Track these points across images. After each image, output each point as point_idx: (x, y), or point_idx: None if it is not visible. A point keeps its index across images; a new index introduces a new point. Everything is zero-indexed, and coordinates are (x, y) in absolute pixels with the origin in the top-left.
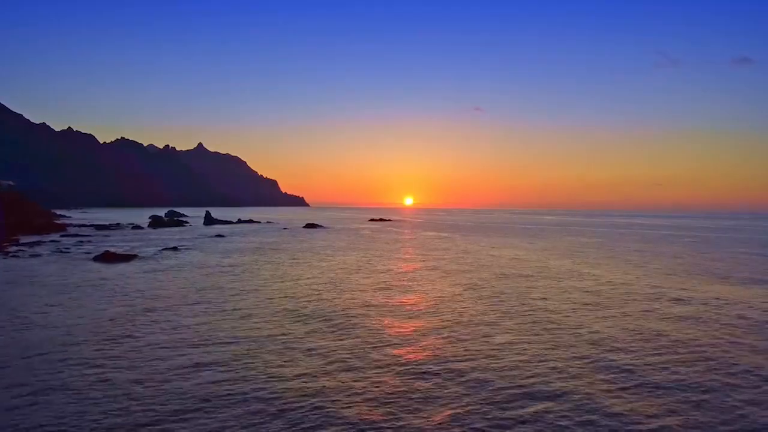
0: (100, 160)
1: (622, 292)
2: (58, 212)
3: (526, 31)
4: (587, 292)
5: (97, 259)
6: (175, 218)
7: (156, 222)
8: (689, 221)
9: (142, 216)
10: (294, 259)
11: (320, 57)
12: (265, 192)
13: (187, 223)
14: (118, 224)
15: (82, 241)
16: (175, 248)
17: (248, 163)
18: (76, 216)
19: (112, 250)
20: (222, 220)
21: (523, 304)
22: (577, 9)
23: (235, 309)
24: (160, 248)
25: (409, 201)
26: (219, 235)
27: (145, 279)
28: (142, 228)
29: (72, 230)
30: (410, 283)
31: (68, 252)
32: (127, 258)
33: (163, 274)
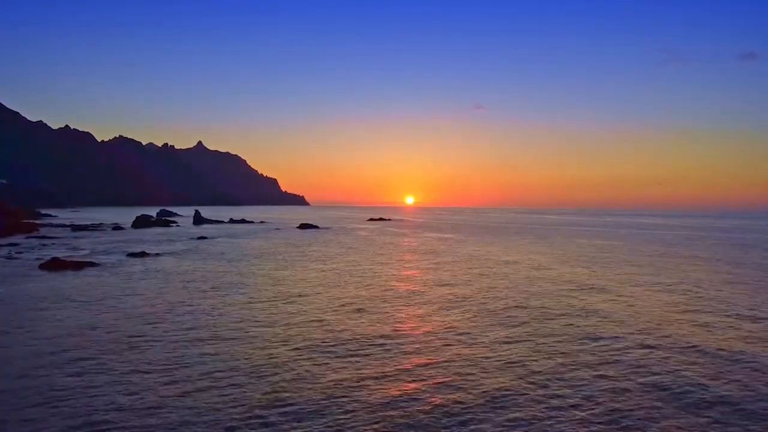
0: (98, 159)
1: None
2: (44, 211)
3: (528, 29)
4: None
5: (43, 267)
6: (164, 218)
7: (140, 222)
8: (700, 221)
9: (134, 215)
10: (270, 269)
11: (320, 56)
12: (265, 191)
13: (175, 223)
14: (100, 224)
15: (45, 245)
16: (143, 253)
17: (248, 162)
18: (63, 215)
19: (65, 256)
20: (212, 220)
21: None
22: (579, 6)
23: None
24: (127, 253)
25: (410, 200)
26: (202, 237)
27: (61, 296)
28: (123, 228)
29: (44, 231)
30: (402, 323)
31: (18, 257)
32: (77, 266)
33: (94, 289)
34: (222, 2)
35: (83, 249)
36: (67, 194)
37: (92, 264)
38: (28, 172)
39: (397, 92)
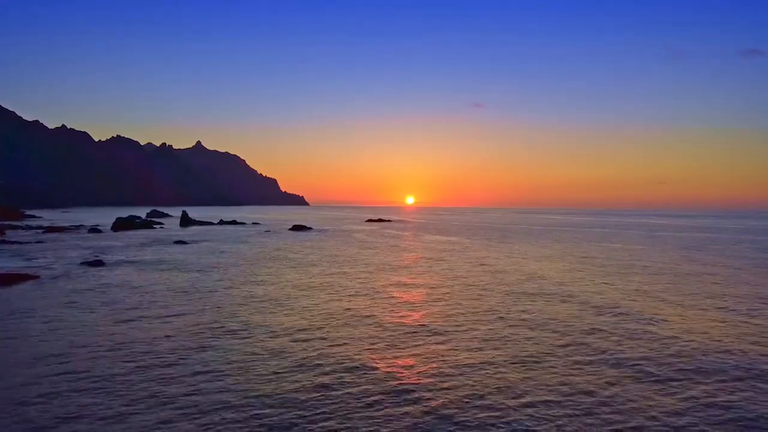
0: (95, 158)
1: None
2: (32, 212)
3: (525, 26)
4: None
5: None
6: (151, 219)
7: (120, 224)
8: (707, 221)
9: (124, 215)
10: (238, 283)
11: (319, 56)
12: (265, 191)
13: (161, 224)
14: (80, 226)
15: None
16: (98, 262)
17: (247, 162)
18: (50, 216)
19: (6, 266)
20: (201, 221)
21: None
22: (578, 2)
23: None
24: (83, 261)
25: (410, 200)
26: (179, 242)
27: None
28: (100, 231)
29: (13, 234)
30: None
31: None
32: (9, 279)
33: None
34: (221, 2)
35: (38, 257)
36: (63, 194)
37: (30, 276)
38: (24, 172)
39: (396, 91)
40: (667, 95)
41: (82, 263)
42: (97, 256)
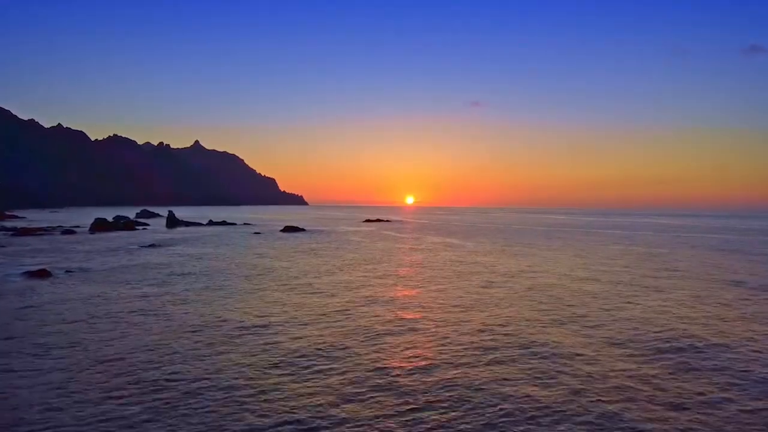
0: (92, 158)
1: None
2: (17, 213)
3: (525, 23)
4: None
5: None
6: (135, 220)
7: (99, 225)
8: (714, 222)
9: (113, 216)
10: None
11: (317, 56)
12: (264, 190)
13: (146, 225)
14: (57, 227)
15: None
16: (43, 272)
17: (246, 162)
18: (35, 216)
19: None
20: (188, 222)
21: None
22: (579, 1)
23: None
24: (25, 271)
25: (410, 200)
26: (153, 245)
27: None
28: (75, 233)
29: None
30: None
31: None
32: None
33: None
34: (220, 2)
35: None
36: (63, 194)
37: None
38: (23, 172)
39: (396, 91)
40: (667, 94)
41: (23, 273)
42: (44, 266)
